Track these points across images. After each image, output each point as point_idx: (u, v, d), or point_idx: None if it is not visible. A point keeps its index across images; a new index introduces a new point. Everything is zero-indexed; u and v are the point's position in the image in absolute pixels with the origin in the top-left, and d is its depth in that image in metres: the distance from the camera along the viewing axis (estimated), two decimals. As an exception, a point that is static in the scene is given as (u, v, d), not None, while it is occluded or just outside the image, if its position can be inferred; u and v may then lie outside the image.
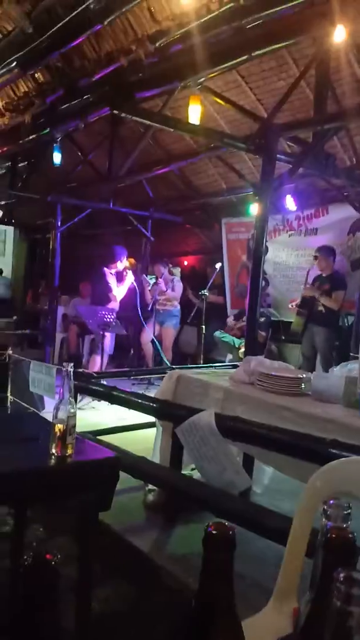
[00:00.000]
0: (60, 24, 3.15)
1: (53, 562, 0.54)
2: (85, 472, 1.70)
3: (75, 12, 3.02)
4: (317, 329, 5.72)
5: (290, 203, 6.51)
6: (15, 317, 10.83)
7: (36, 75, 3.87)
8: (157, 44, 3.09)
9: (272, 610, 1.26)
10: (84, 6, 2.95)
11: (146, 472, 2.92)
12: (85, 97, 3.86)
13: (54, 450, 1.69)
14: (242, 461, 3.22)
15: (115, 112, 3.64)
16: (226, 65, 3.83)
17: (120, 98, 3.67)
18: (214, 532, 0.58)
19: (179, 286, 7.42)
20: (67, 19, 3.10)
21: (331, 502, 0.71)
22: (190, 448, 2.75)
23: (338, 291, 5.63)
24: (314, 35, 3.52)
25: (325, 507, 0.69)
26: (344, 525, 0.68)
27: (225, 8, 2.79)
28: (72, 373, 1.75)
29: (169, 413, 2.90)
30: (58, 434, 1.71)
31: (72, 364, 1.78)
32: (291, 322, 6.20)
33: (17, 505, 1.91)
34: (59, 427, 1.71)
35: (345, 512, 0.70)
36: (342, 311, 5.90)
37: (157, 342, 6.56)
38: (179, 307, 7.36)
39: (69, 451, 1.70)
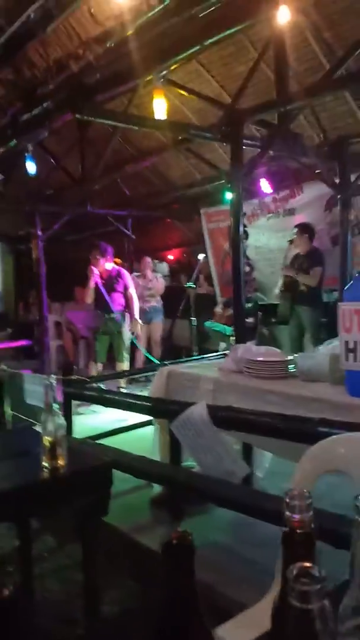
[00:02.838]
0: (4, 37, 3.14)
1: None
2: (78, 481, 1.73)
3: (18, 23, 3.01)
4: (301, 308, 5.76)
5: (265, 186, 6.53)
6: (9, 330, 10.87)
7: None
8: (108, 44, 3.08)
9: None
10: (24, 16, 2.94)
11: (147, 471, 2.95)
12: (45, 104, 3.85)
13: (45, 463, 1.72)
14: (241, 448, 3.27)
15: (78, 116, 3.64)
16: (181, 56, 3.83)
17: (80, 101, 3.66)
18: (173, 541, 0.59)
19: (161, 281, 7.50)
20: (10, 31, 3.09)
21: (292, 492, 0.69)
22: (186, 442, 2.78)
23: (315, 268, 5.62)
24: (263, 17, 3.53)
25: (287, 498, 0.69)
26: (304, 517, 0.66)
27: (166, 3, 2.78)
28: (54, 384, 1.78)
29: (162, 410, 2.93)
30: (48, 446, 1.74)
31: (53, 376, 1.81)
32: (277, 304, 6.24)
33: (16, 519, 1.94)
34: (48, 439, 1.74)
35: (307, 502, 0.68)
36: (325, 288, 5.92)
37: (135, 341, 6.52)
38: (161, 302, 7.44)
39: (60, 462, 1.73)
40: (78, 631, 2.07)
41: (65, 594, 2.46)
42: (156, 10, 2.85)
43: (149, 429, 3.76)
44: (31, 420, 4.19)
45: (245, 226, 7.20)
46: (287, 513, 0.68)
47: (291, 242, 5.88)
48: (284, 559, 0.61)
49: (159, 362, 5.71)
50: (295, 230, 5.87)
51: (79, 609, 2.09)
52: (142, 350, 6.82)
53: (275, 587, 1.29)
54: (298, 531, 0.63)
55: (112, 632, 2.16)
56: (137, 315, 6.20)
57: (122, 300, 6.20)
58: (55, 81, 3.60)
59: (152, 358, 6.49)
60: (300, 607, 0.49)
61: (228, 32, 3.57)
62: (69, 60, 3.29)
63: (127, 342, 6.21)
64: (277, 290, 6.21)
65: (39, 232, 7.15)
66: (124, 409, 3.20)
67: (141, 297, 6.96)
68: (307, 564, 0.52)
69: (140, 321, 6.28)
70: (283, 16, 3.16)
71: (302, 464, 2.04)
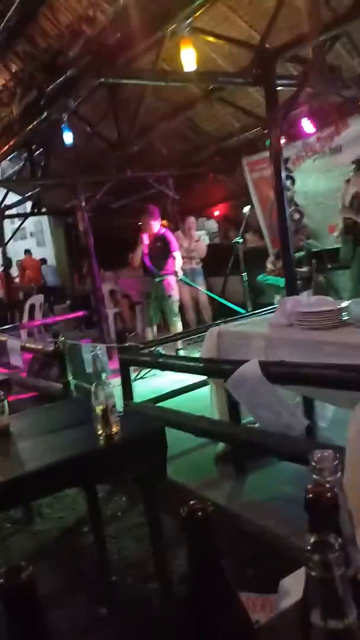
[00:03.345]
0: (13, 8, 3.07)
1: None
2: (132, 446, 1.78)
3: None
4: None
5: (307, 126, 6.20)
6: (68, 302, 11.20)
7: (8, 65, 3.83)
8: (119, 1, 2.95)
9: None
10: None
11: (207, 429, 3.00)
12: (68, 72, 3.78)
13: (99, 431, 1.78)
14: (301, 400, 3.24)
15: (103, 79, 3.56)
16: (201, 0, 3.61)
17: (104, 65, 3.57)
18: (189, 513, 0.59)
19: (202, 243, 7.40)
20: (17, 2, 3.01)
21: (317, 453, 0.67)
22: (243, 400, 2.79)
23: None
24: None
25: (313, 459, 0.68)
26: (330, 478, 0.64)
27: None
28: (100, 354, 1.81)
29: (216, 370, 2.94)
30: (100, 414, 1.79)
31: (99, 347, 1.84)
32: (335, 249, 6.00)
33: (80, 484, 2.02)
34: (100, 408, 1.80)
35: (334, 464, 0.66)
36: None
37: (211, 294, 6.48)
38: (201, 263, 7.35)
39: (114, 430, 1.78)
40: (154, 587, 2.17)
41: (142, 551, 2.58)
42: None
43: (207, 389, 3.80)
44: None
45: (290, 171, 6.94)
46: (314, 476, 0.66)
47: (348, 181, 5.58)
48: (308, 526, 0.59)
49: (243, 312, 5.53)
50: (353, 167, 5.55)
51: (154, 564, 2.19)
52: (222, 302, 6.74)
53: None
54: (321, 497, 0.61)
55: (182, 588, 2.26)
56: (180, 275, 6.18)
57: (170, 263, 6.18)
58: (74, 48, 3.51)
59: (236, 308, 6.35)
60: (318, 576, 0.48)
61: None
62: (81, 25, 3.19)
63: (176, 305, 6.23)
64: (336, 234, 5.95)
65: (83, 203, 7.19)
66: (178, 371, 3.23)
67: (184, 258, 6.97)
68: (324, 533, 0.51)
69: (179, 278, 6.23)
70: None
71: (356, 413, 2.00)
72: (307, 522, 0.60)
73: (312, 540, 0.51)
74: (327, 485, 0.63)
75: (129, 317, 8.98)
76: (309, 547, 0.51)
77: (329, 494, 0.61)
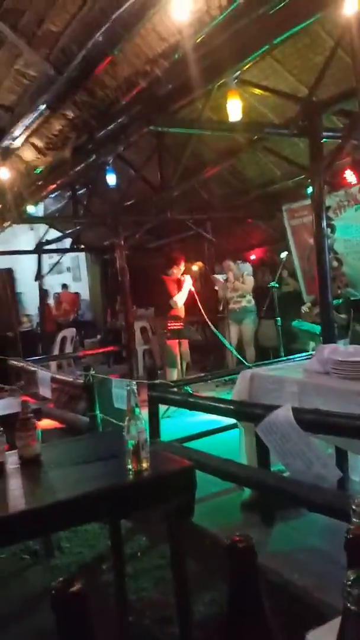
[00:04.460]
0: (76, 61, 3.27)
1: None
2: (161, 483, 1.76)
3: (87, 47, 3.12)
4: None
5: (349, 176, 6.27)
6: (99, 336, 11.35)
7: (66, 113, 4.06)
8: (174, 56, 3.11)
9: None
10: (93, 40, 3.04)
11: (234, 474, 2.94)
12: (120, 119, 3.97)
13: (129, 466, 1.76)
14: (334, 451, 3.15)
15: (152, 127, 3.70)
16: (253, 57, 3.77)
17: (154, 113, 3.73)
18: (232, 544, 0.59)
19: (249, 279, 7.43)
20: (81, 54, 3.21)
21: (358, 498, 0.69)
22: (274, 446, 2.73)
23: None
24: (335, 7, 3.38)
25: (354, 505, 0.68)
26: None
27: (228, 11, 2.76)
28: (135, 390, 1.82)
29: (247, 413, 2.90)
30: (132, 449, 1.78)
31: (134, 382, 1.85)
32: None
33: (105, 519, 2.00)
34: (131, 442, 1.79)
35: None
36: None
37: (225, 341, 6.58)
38: (253, 302, 7.35)
39: (144, 465, 1.76)
40: (172, 630, 2.10)
41: (160, 593, 2.51)
42: (219, 19, 2.83)
43: (235, 432, 3.74)
44: (120, 423, 4.34)
45: (331, 219, 6.98)
46: (354, 519, 0.66)
47: None
48: (348, 566, 0.60)
49: (247, 364, 5.65)
50: None
51: (173, 608, 2.12)
52: (232, 351, 6.81)
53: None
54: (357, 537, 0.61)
55: (204, 633, 2.17)
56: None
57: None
58: (128, 97, 3.70)
59: (242, 359, 6.45)
60: (356, 611, 0.49)
61: (297, 28, 3.45)
62: (137, 78, 3.38)
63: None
64: None
65: (122, 242, 7.37)
66: (208, 412, 3.20)
67: (231, 300, 7.21)
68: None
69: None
70: (353, 6, 3.02)
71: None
72: (347, 561, 0.64)
73: (352, 576, 0.53)
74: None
75: (159, 354, 9.01)
76: (349, 582, 0.51)
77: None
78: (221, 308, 7.45)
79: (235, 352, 6.69)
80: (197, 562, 2.59)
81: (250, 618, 0.59)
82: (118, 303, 9.96)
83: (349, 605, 0.49)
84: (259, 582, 0.59)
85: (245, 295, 7.34)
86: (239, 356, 6.39)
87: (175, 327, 6.28)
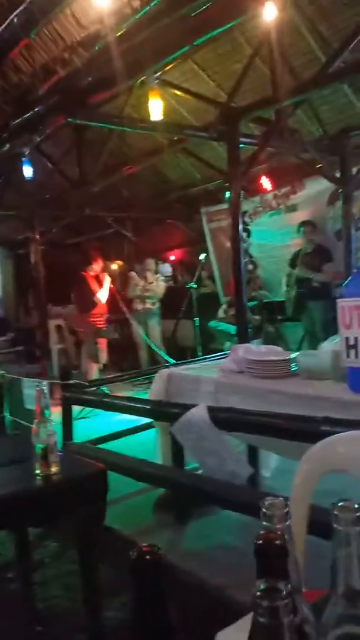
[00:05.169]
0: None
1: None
2: (71, 488, 1.69)
3: (1, 28, 2.97)
4: (314, 304, 5.73)
5: (265, 183, 6.48)
6: (11, 335, 10.87)
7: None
8: (94, 48, 3.04)
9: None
10: (7, 21, 2.90)
11: (149, 474, 2.91)
12: (37, 109, 3.81)
13: (38, 470, 1.68)
14: (246, 448, 3.22)
15: (71, 119, 3.59)
16: (173, 57, 3.78)
17: (73, 105, 3.62)
18: (137, 559, 0.55)
19: (162, 285, 7.47)
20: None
21: (267, 500, 0.66)
22: (188, 445, 2.74)
23: (328, 264, 5.67)
24: (256, 14, 3.47)
25: (264, 507, 0.66)
26: (279, 526, 0.64)
27: (149, 7, 2.74)
28: (45, 390, 1.74)
29: (163, 413, 2.88)
30: (41, 453, 1.70)
31: (44, 383, 1.77)
32: (284, 301, 6.20)
33: (11, 527, 1.89)
34: (40, 446, 1.70)
35: (284, 511, 0.65)
36: (333, 283, 5.87)
37: (147, 339, 6.59)
38: (158, 305, 7.40)
39: (54, 469, 1.69)
40: (82, 639, 2.03)
41: (71, 600, 2.42)
42: (141, 13, 2.80)
43: (152, 432, 3.72)
44: (30, 425, 4.18)
45: (247, 224, 7.18)
46: (264, 523, 0.64)
47: (302, 235, 5.89)
48: (257, 572, 0.57)
49: (166, 363, 5.65)
50: (302, 228, 5.87)
51: (84, 615, 2.06)
52: (155, 349, 6.82)
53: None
54: (271, 543, 0.59)
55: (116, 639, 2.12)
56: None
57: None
58: (45, 86, 3.55)
59: (166, 357, 6.44)
60: (265, 623, 0.47)
61: (217, 31, 3.50)
62: (55, 65, 3.26)
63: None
64: (284, 288, 6.17)
65: (38, 236, 7.12)
66: (124, 413, 3.15)
67: (140, 298, 7.15)
68: (274, 580, 0.49)
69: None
70: (272, 12, 3.11)
71: (302, 464, 1.98)
72: (257, 568, 0.59)
73: (261, 586, 0.50)
74: (277, 533, 0.63)
75: (74, 353, 8.80)
76: (258, 593, 0.49)
77: (278, 541, 0.60)
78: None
79: (158, 350, 6.68)
80: (109, 565, 2.54)
81: (155, 624, 0.55)
82: (32, 300, 9.61)
83: (257, 617, 0.47)
84: (165, 597, 0.56)
85: (153, 298, 7.34)
86: (161, 353, 6.39)
87: (99, 325, 6.27)
